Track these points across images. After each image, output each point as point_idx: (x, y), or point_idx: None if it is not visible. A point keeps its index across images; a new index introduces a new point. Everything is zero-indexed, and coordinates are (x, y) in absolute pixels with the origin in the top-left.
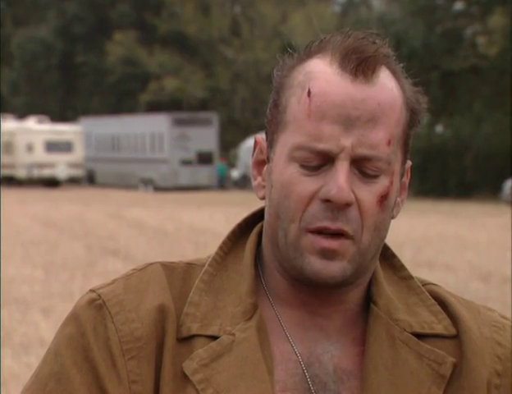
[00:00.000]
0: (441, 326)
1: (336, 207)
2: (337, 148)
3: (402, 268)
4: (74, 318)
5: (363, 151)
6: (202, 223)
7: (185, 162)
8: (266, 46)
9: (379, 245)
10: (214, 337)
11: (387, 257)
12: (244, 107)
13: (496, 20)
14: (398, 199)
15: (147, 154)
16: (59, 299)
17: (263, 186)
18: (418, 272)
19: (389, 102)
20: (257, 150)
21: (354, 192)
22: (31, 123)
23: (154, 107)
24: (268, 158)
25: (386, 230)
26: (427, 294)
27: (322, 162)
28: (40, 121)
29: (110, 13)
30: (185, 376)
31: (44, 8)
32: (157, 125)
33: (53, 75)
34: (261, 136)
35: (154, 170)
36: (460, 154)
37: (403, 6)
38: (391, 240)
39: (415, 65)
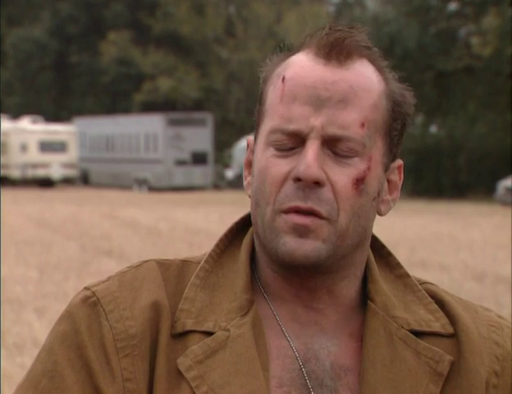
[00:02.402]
0: (438, 324)
1: (306, 185)
2: (307, 128)
3: (398, 266)
4: (68, 315)
5: (333, 130)
6: (196, 223)
7: (180, 163)
8: (260, 46)
9: (361, 235)
10: (209, 333)
11: (383, 255)
12: (239, 107)
13: (490, 20)
14: (387, 196)
15: (141, 154)
16: (53, 299)
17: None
18: (413, 271)
19: (363, 86)
20: (248, 151)
21: (326, 173)
22: (25, 123)
23: (149, 108)
24: (253, 152)
25: (366, 219)
26: (424, 292)
27: (295, 144)
28: (34, 121)
29: (104, 13)
30: (179, 373)
31: (38, 8)
32: (151, 125)
33: (47, 75)
34: (251, 137)
35: (149, 170)
36: (454, 154)
37: (397, 6)
38: (386, 239)
39: (409, 65)
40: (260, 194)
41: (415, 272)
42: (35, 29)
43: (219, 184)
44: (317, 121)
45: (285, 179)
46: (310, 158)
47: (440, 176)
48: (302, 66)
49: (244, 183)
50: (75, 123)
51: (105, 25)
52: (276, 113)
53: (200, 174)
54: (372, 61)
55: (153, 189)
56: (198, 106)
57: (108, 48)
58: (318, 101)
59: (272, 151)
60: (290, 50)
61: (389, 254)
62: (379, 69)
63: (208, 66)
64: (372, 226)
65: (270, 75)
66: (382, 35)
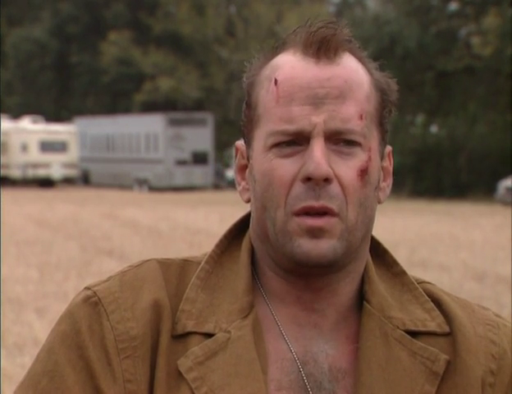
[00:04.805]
0: (434, 323)
1: (316, 184)
2: (309, 126)
3: (395, 263)
4: (69, 315)
5: (335, 124)
6: (196, 223)
7: (180, 163)
8: (261, 46)
9: (367, 226)
10: (209, 335)
11: (379, 254)
12: (239, 107)
13: (490, 20)
14: (383, 183)
15: (142, 154)
16: (53, 299)
17: (247, 189)
18: (413, 272)
19: (355, 79)
20: (238, 156)
21: (332, 168)
22: (26, 123)
23: (149, 107)
24: (248, 158)
25: (371, 209)
26: (421, 290)
27: (297, 143)
28: (35, 121)
29: (105, 13)
30: (179, 374)
31: (39, 8)
32: (152, 125)
33: (48, 75)
34: (240, 142)
35: (149, 170)
36: (455, 154)
37: (398, 6)
38: (386, 239)
39: (410, 65)
40: (268, 198)
41: (415, 272)
42: (36, 29)
43: (219, 184)
44: (318, 118)
45: (293, 180)
46: (318, 157)
47: (440, 176)
48: (292, 66)
49: (239, 188)
50: (76, 123)
51: (105, 24)
52: (273, 116)
53: (201, 174)
54: (355, 54)
55: (153, 189)
56: (198, 106)
57: (109, 48)
58: (317, 99)
59: (274, 152)
60: (267, 53)
61: (385, 251)
62: (362, 60)
63: (208, 66)
64: (374, 216)
65: (256, 78)
66: (383, 35)
